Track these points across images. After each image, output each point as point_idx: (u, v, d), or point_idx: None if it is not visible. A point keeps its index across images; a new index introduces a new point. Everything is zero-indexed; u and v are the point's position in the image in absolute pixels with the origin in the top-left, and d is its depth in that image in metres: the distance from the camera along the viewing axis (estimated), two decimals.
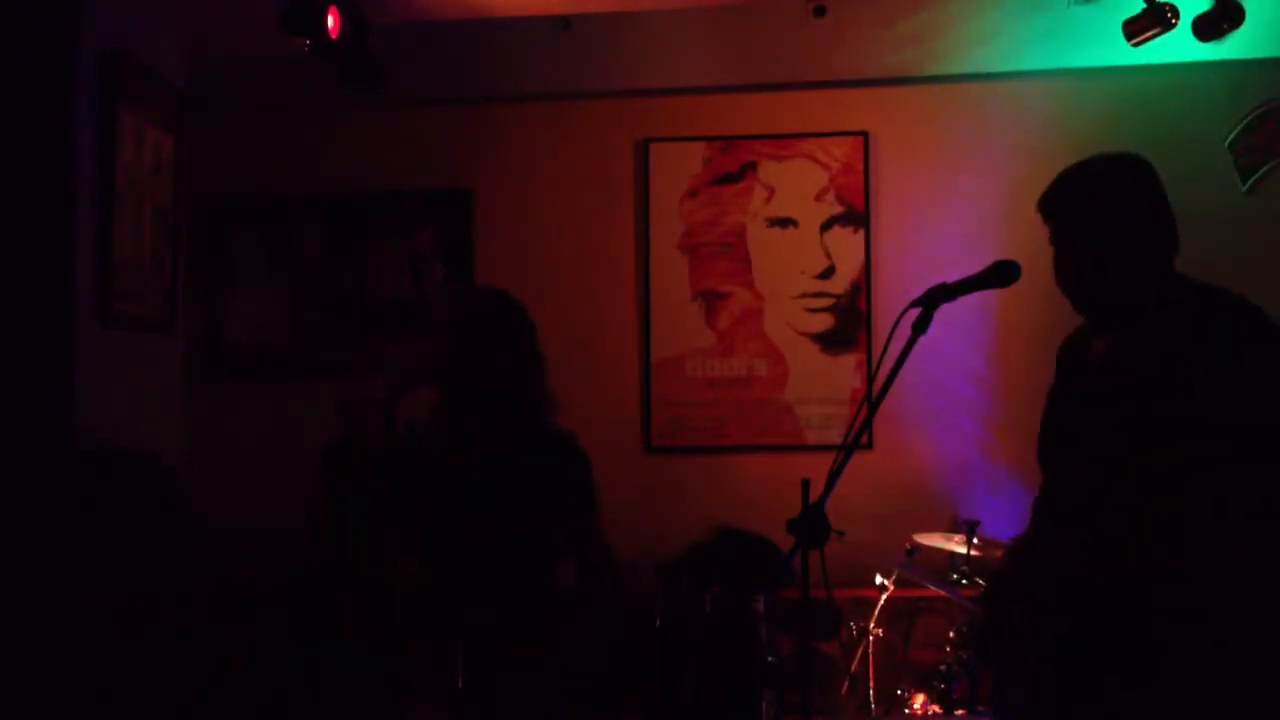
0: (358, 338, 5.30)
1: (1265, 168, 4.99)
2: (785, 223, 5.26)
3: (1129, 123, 4.93)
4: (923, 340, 2.25)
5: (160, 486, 1.57)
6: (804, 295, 5.23)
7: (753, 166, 5.27)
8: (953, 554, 4.44)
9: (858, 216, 5.21)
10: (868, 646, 4.37)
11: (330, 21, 4.09)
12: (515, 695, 2.70)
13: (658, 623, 4.03)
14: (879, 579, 4.43)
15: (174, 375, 3.50)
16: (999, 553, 4.17)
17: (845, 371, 5.19)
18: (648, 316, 5.28)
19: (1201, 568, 2.18)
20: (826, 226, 5.23)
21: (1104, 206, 2.35)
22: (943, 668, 4.21)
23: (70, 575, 1.45)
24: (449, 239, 5.36)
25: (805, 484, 2.37)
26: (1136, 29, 4.41)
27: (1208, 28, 4.41)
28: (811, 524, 2.22)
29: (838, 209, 5.22)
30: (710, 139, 5.28)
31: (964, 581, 4.23)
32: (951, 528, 4.68)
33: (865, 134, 5.21)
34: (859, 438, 2.26)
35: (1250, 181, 5.01)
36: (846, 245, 5.21)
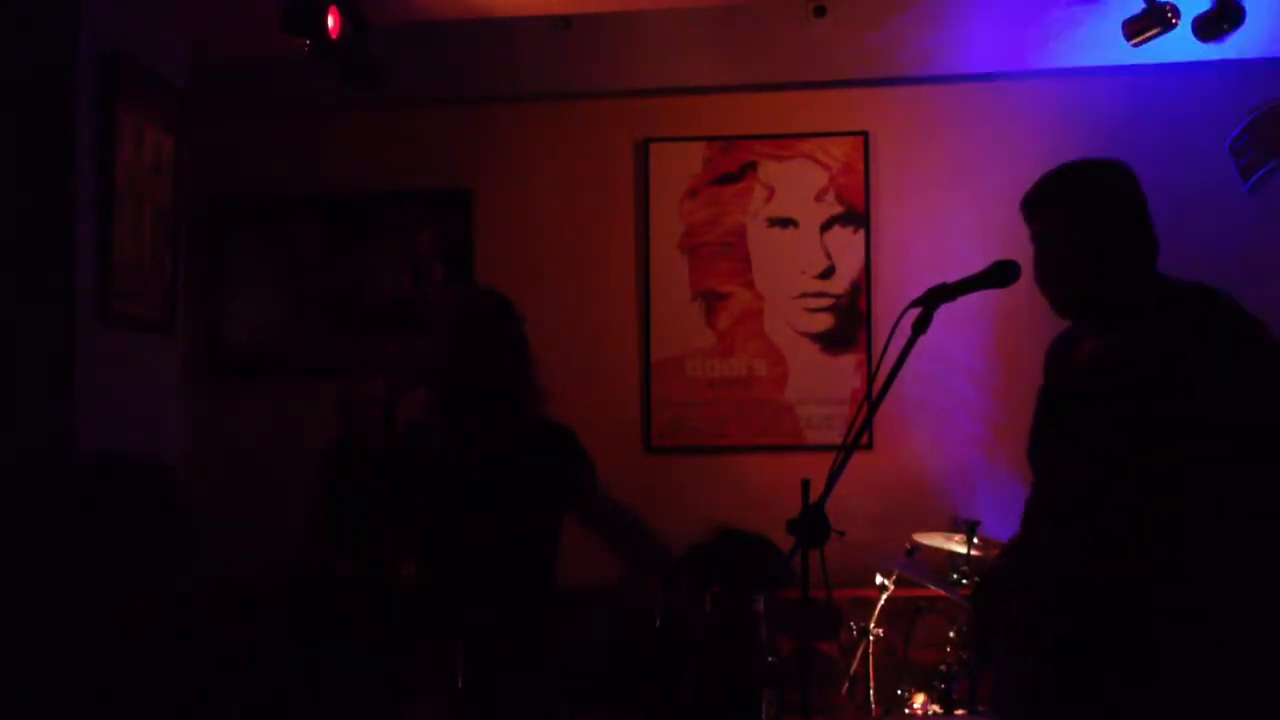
0: (358, 338, 5.30)
1: (1265, 168, 4.99)
2: (785, 223, 5.25)
3: (1129, 123, 4.93)
4: (923, 340, 2.25)
5: (161, 488, 1.57)
6: (804, 295, 5.23)
7: (753, 166, 5.27)
8: (953, 554, 4.44)
9: (858, 216, 5.21)
10: (868, 646, 4.36)
11: (330, 21, 4.09)
12: (515, 695, 2.70)
13: (658, 623, 4.02)
14: (879, 579, 4.43)
15: (174, 375, 3.50)
16: (998, 553, 4.17)
17: (845, 371, 5.19)
18: (648, 316, 5.28)
19: (1200, 567, 2.18)
20: (826, 226, 5.23)
21: (1106, 204, 2.36)
22: (943, 668, 4.20)
23: (70, 575, 1.45)
24: (449, 239, 5.36)
25: (805, 484, 2.37)
26: (1136, 29, 4.41)
27: (1208, 28, 4.41)
28: (811, 524, 2.22)
29: (838, 209, 5.22)
30: (710, 139, 5.28)
31: (964, 581, 4.23)
32: (951, 528, 4.68)
33: (865, 134, 5.21)
34: (859, 438, 2.26)
35: (1250, 181, 5.01)
36: (846, 245, 5.21)
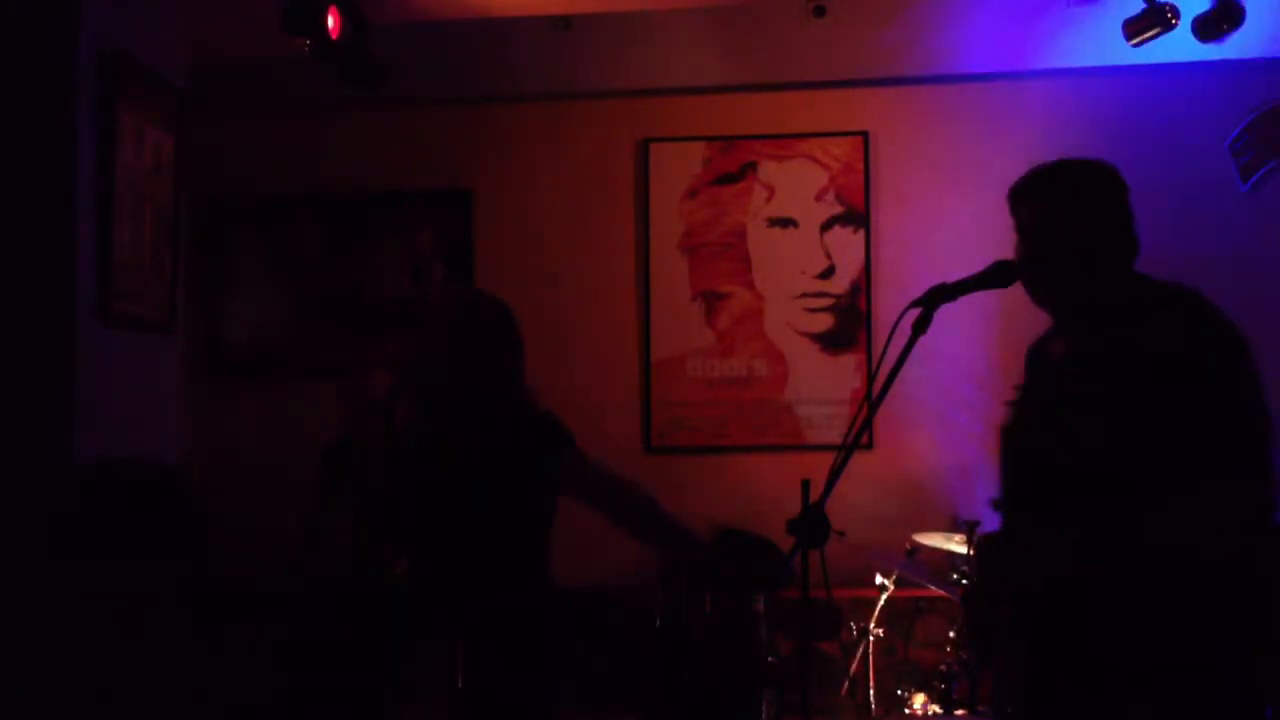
0: (358, 338, 5.29)
1: (1265, 168, 4.99)
2: (785, 223, 5.26)
3: (1129, 123, 4.93)
4: (923, 340, 2.25)
5: (167, 487, 1.57)
6: (804, 295, 5.23)
7: (753, 166, 5.27)
8: (953, 554, 4.44)
9: (858, 216, 5.21)
10: (868, 646, 4.37)
11: (330, 21, 4.10)
12: (515, 695, 2.70)
13: (658, 623, 4.03)
14: (879, 579, 4.43)
15: (174, 375, 3.50)
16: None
17: (845, 371, 5.19)
18: (648, 316, 5.28)
19: (1161, 567, 2.18)
20: (826, 226, 5.23)
21: (1094, 202, 2.36)
22: (943, 668, 4.20)
23: (70, 575, 1.45)
24: (449, 239, 5.36)
25: (805, 484, 2.37)
26: (1136, 29, 4.41)
27: (1208, 28, 4.41)
28: (811, 524, 2.22)
29: (838, 209, 5.22)
30: (710, 139, 5.28)
31: (964, 581, 4.23)
32: (951, 528, 4.68)
33: (865, 134, 5.21)
34: (859, 438, 2.26)
35: (1250, 181, 5.01)
36: (846, 245, 5.21)
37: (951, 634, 4.26)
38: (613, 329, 5.29)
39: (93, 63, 3.02)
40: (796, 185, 5.24)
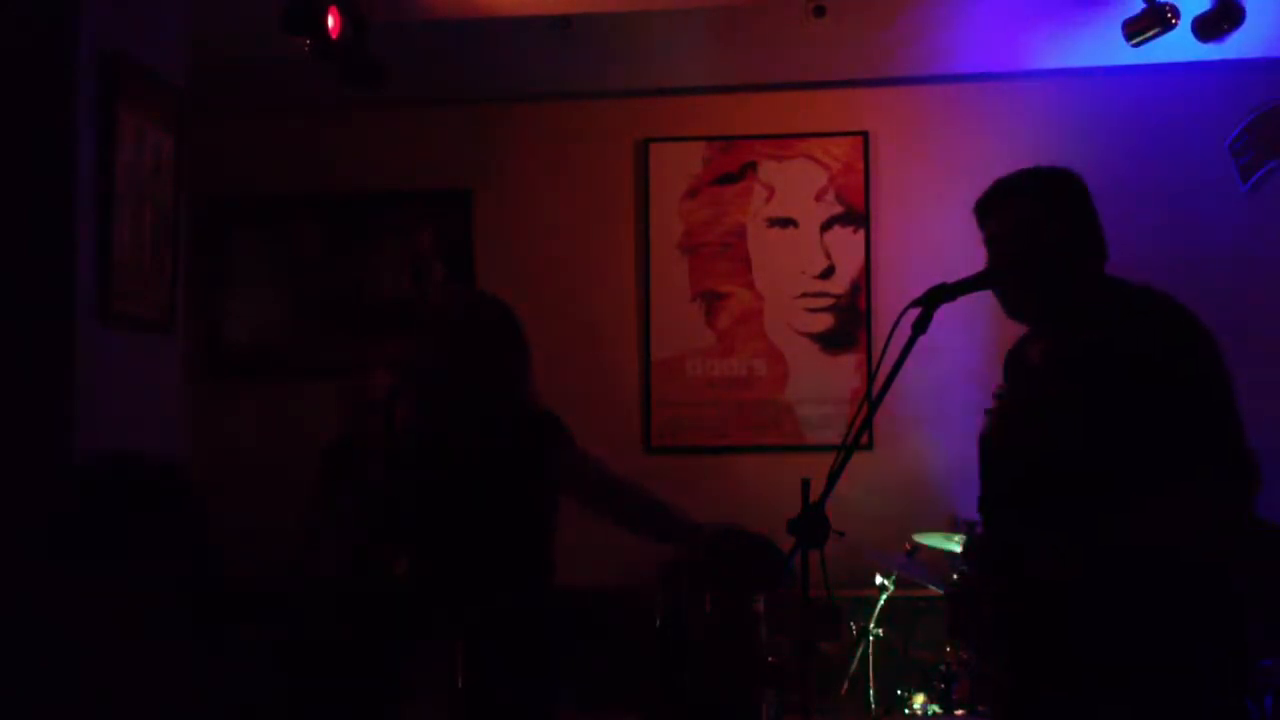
0: (358, 338, 5.29)
1: (1265, 168, 4.99)
2: (785, 223, 5.26)
3: (1129, 123, 4.93)
4: (923, 340, 2.25)
5: (170, 485, 1.57)
6: (804, 295, 5.23)
7: (753, 166, 5.27)
8: (953, 554, 4.44)
9: (858, 216, 5.21)
10: (868, 646, 4.36)
11: (330, 21, 4.10)
12: (515, 695, 2.70)
13: (658, 623, 4.02)
14: (879, 579, 4.43)
15: (174, 375, 3.49)
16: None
17: (845, 371, 5.19)
18: (648, 316, 5.28)
19: (1139, 569, 2.19)
20: (826, 226, 5.23)
21: (1069, 205, 2.38)
22: (943, 668, 4.20)
23: (70, 575, 1.45)
24: (449, 239, 5.36)
25: (805, 484, 2.37)
26: (1136, 29, 4.41)
27: (1208, 28, 4.41)
28: (811, 524, 2.22)
29: (838, 209, 5.22)
30: (710, 139, 5.28)
31: (954, 577, 4.23)
32: (951, 528, 4.68)
33: (865, 134, 5.21)
34: (859, 438, 2.26)
35: (1250, 181, 5.01)
36: (846, 245, 5.21)
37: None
38: (613, 329, 5.29)
39: (93, 63, 3.02)
40: (796, 185, 5.24)
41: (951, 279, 2.36)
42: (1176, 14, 4.29)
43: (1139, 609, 2.20)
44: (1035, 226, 2.36)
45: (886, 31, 4.89)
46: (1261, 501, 2.22)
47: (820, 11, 4.61)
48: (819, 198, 5.23)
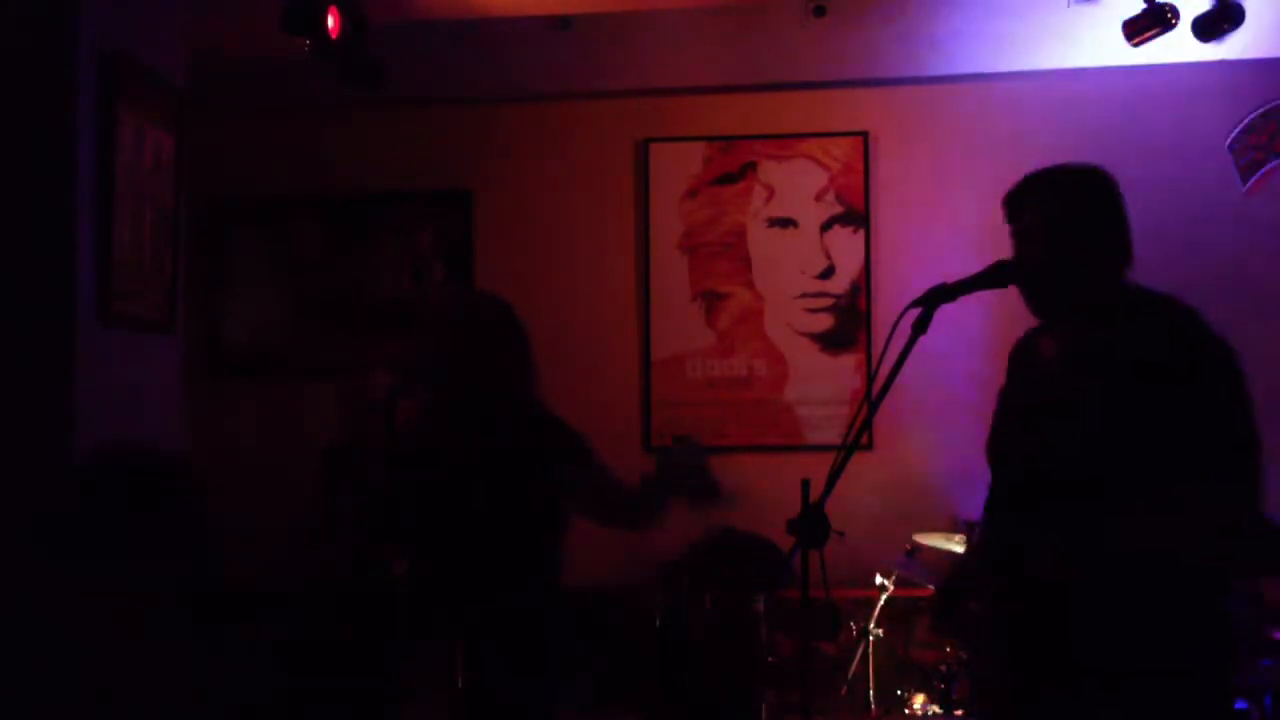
0: (358, 338, 5.30)
1: (1265, 168, 4.99)
2: (785, 223, 5.26)
3: (1129, 123, 4.93)
4: (923, 340, 2.25)
5: (172, 482, 1.57)
6: (804, 295, 5.23)
7: (753, 166, 5.27)
8: (953, 554, 4.44)
9: (858, 216, 5.21)
10: (868, 646, 4.37)
11: (330, 21, 4.10)
12: (515, 695, 2.70)
13: (658, 623, 4.03)
14: (879, 579, 4.43)
15: (174, 375, 3.50)
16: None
17: (845, 371, 5.19)
18: (648, 316, 5.28)
19: (1139, 572, 2.19)
20: (826, 226, 5.23)
21: (1094, 205, 2.37)
22: (943, 668, 4.21)
23: (71, 575, 1.45)
24: (449, 239, 5.36)
25: (805, 484, 2.37)
26: (1136, 29, 4.41)
27: (1208, 28, 4.41)
28: (811, 524, 2.22)
29: (838, 209, 5.22)
30: (710, 139, 5.28)
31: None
32: (951, 528, 4.68)
33: (865, 134, 5.21)
34: (859, 438, 2.26)
35: (1250, 181, 5.01)
36: (846, 245, 5.21)
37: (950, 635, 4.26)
38: (613, 329, 5.29)
39: (93, 63, 3.02)
40: (796, 185, 5.24)
41: (951, 279, 2.36)
42: (1176, 14, 4.29)
43: (1138, 611, 2.20)
44: (1062, 225, 2.35)
45: (886, 31, 4.89)
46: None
47: (820, 11, 4.62)
48: (819, 198, 5.23)
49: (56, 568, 1.45)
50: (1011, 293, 2.44)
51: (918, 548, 4.51)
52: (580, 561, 2.89)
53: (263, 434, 5.18)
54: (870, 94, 5.24)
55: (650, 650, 4.04)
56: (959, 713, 4.09)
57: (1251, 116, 4.99)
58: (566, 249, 5.32)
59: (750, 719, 3.91)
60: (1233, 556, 2.21)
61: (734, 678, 3.92)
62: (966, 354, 4.98)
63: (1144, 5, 4.35)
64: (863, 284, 5.19)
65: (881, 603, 4.40)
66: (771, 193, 5.26)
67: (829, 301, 5.21)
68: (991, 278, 2.37)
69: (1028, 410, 2.44)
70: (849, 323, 5.20)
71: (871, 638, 4.36)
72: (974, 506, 4.69)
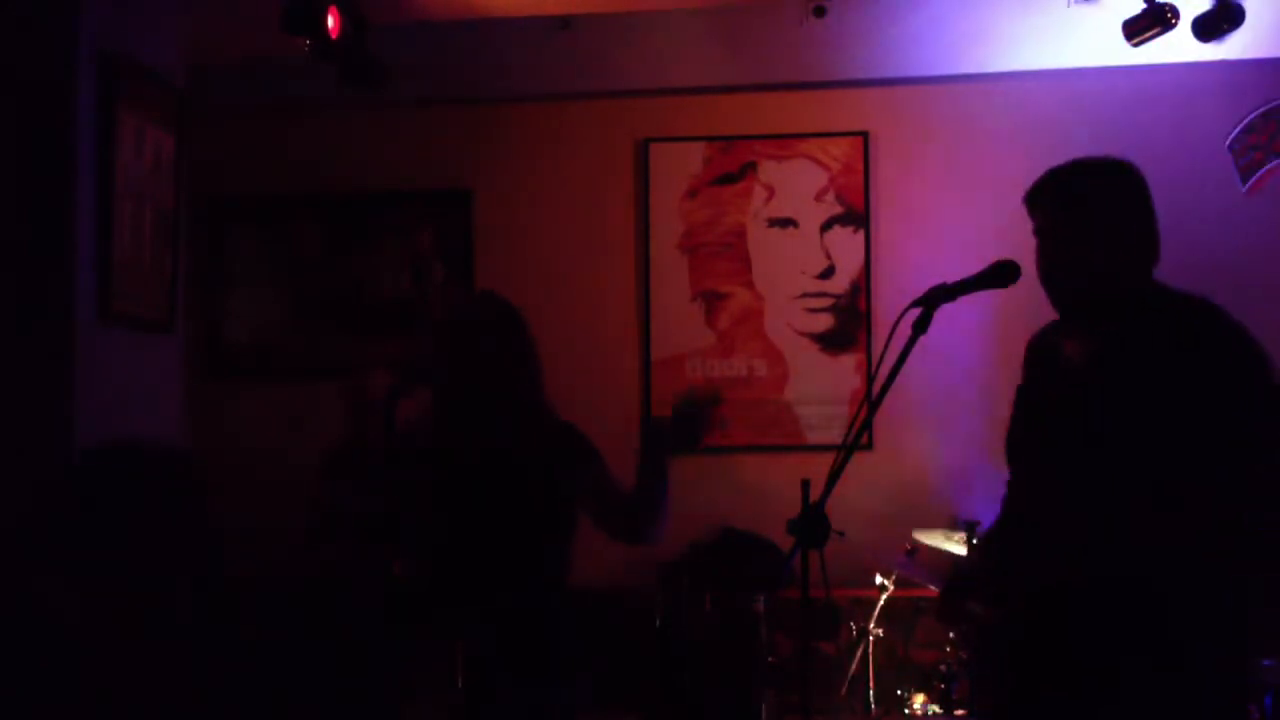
0: (358, 338, 5.30)
1: (1265, 168, 4.99)
2: (785, 223, 5.25)
3: (1129, 123, 4.93)
4: (923, 340, 2.25)
5: (174, 480, 1.57)
6: (804, 295, 5.23)
7: (753, 166, 5.27)
8: (953, 554, 4.44)
9: (858, 216, 5.21)
10: (868, 646, 4.36)
11: (330, 21, 4.09)
12: (515, 695, 2.70)
13: (658, 623, 4.03)
14: (879, 579, 4.43)
15: (174, 375, 3.50)
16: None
17: (845, 371, 5.19)
18: (648, 316, 5.28)
19: (1140, 572, 2.19)
20: (826, 226, 5.23)
21: (1107, 204, 2.36)
22: (943, 668, 4.21)
23: (71, 575, 1.45)
24: (449, 239, 5.36)
25: (805, 484, 2.37)
26: (1136, 29, 4.41)
27: (1208, 28, 4.41)
28: (811, 524, 2.22)
29: (838, 209, 5.22)
30: (710, 139, 5.28)
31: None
32: (951, 528, 4.68)
33: (865, 134, 5.21)
34: (859, 438, 2.26)
35: (1250, 181, 5.01)
36: (846, 245, 5.21)
37: (951, 634, 4.26)
38: (613, 329, 5.29)
39: (93, 63, 3.02)
40: (796, 185, 5.23)
41: (951, 279, 2.36)
42: (1176, 14, 4.29)
43: (1139, 612, 2.20)
44: (1076, 223, 2.35)
45: (886, 31, 4.89)
46: None
47: (820, 11, 4.61)
48: (819, 198, 5.23)
49: (57, 568, 1.45)
50: (1012, 292, 2.43)
51: (918, 548, 4.51)
52: (580, 561, 2.89)
53: (263, 434, 5.17)
54: (870, 94, 5.24)
55: (650, 650, 4.05)
56: (959, 713, 4.09)
57: (1251, 116, 4.99)
58: (566, 249, 5.32)
59: (750, 719, 3.91)
60: (1232, 551, 2.21)
61: (734, 678, 3.92)
62: (967, 354, 4.99)
63: (1144, 5, 4.35)
64: (863, 284, 5.19)
65: (881, 603, 4.40)
66: (771, 193, 5.25)
67: (829, 301, 5.21)
68: (992, 278, 2.36)
69: (1048, 408, 2.44)
70: (849, 323, 5.20)
71: (871, 638, 4.36)
72: (974, 506, 4.72)
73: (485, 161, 5.36)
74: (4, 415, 2.89)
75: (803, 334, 5.23)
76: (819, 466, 2.32)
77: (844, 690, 4.41)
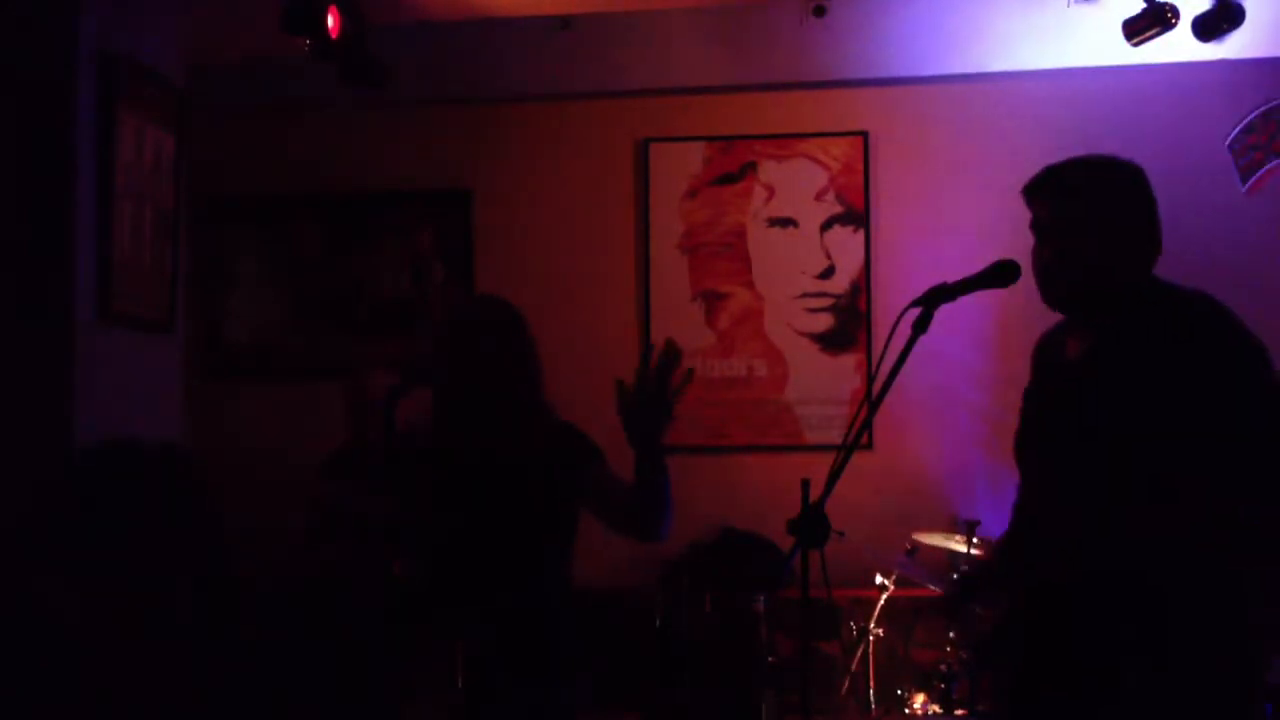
0: (358, 338, 5.30)
1: (1265, 168, 4.99)
2: (785, 223, 5.25)
3: (1129, 123, 4.93)
4: (923, 340, 2.24)
5: (175, 478, 1.57)
6: (804, 295, 5.23)
7: (753, 166, 5.27)
8: (953, 554, 4.44)
9: (858, 216, 5.21)
10: (868, 646, 4.36)
11: (330, 21, 4.10)
12: (515, 696, 2.70)
13: (658, 623, 4.03)
14: (879, 579, 4.43)
15: (174, 375, 3.50)
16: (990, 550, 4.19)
17: (845, 371, 5.19)
18: (648, 316, 5.28)
19: (1141, 569, 2.19)
20: (826, 226, 5.23)
21: (1104, 200, 2.36)
22: (943, 668, 4.20)
23: (71, 575, 1.45)
24: (449, 239, 5.36)
25: (805, 484, 2.36)
26: (1136, 29, 4.42)
27: (1208, 28, 4.41)
28: (811, 524, 2.22)
29: (838, 209, 5.22)
30: (710, 139, 5.28)
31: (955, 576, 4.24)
32: (951, 528, 4.68)
33: (865, 134, 5.21)
34: (859, 438, 2.26)
35: (1250, 181, 5.01)
36: (846, 245, 5.21)
37: (951, 634, 4.26)
38: (613, 329, 5.29)
39: (93, 63, 3.02)
40: (796, 185, 5.23)
41: (951, 279, 2.36)
42: (1176, 14, 4.29)
43: (1138, 609, 2.20)
44: (1073, 221, 2.34)
45: (886, 31, 4.90)
46: None
47: (820, 11, 4.61)
48: (819, 198, 5.23)
49: (56, 568, 1.45)
50: (1012, 292, 2.43)
51: (918, 547, 4.51)
52: (580, 561, 2.89)
53: (263, 434, 5.18)
54: (870, 94, 5.24)
55: (650, 650, 4.05)
56: (959, 713, 4.09)
57: (1251, 116, 4.99)
58: (566, 249, 5.32)
59: (750, 719, 3.91)
60: (1231, 546, 2.20)
61: (734, 678, 3.92)
62: (967, 354, 4.99)
63: (1144, 5, 4.35)
64: (863, 284, 5.19)
65: (881, 603, 4.40)
66: (771, 193, 5.26)
67: (829, 301, 5.21)
68: (992, 278, 2.36)
69: (1048, 407, 2.44)
70: (849, 323, 5.20)
71: (871, 638, 4.36)
72: (974, 506, 4.73)
73: (485, 161, 5.36)
74: (4, 415, 2.89)
75: (803, 334, 5.23)
76: (819, 466, 2.32)
77: (844, 690, 4.41)
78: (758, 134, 5.27)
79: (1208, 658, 2.20)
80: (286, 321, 5.40)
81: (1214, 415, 2.17)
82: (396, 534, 2.90)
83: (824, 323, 5.22)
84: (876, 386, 2.26)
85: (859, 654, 4.38)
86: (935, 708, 4.22)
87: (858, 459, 2.33)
